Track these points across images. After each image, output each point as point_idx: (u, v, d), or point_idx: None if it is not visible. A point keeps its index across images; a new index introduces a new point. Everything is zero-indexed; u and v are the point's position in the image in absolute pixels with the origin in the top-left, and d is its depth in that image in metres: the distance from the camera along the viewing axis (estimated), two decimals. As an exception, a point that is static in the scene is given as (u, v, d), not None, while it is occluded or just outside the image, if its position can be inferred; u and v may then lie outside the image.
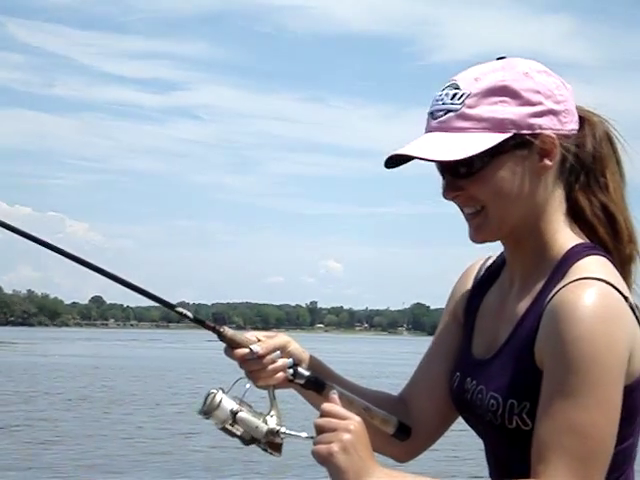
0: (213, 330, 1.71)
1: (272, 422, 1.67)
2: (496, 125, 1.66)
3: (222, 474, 13.57)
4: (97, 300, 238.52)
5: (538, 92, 1.68)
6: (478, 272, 1.94)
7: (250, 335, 1.75)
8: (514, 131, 1.66)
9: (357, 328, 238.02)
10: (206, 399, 1.65)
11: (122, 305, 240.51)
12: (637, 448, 1.72)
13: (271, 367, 1.74)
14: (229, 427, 1.66)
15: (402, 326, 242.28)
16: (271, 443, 1.67)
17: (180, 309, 1.69)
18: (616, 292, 1.61)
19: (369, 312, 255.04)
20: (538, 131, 1.67)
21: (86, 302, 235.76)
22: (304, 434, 1.67)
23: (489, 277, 1.90)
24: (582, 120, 1.75)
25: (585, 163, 1.75)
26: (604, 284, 1.60)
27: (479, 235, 1.73)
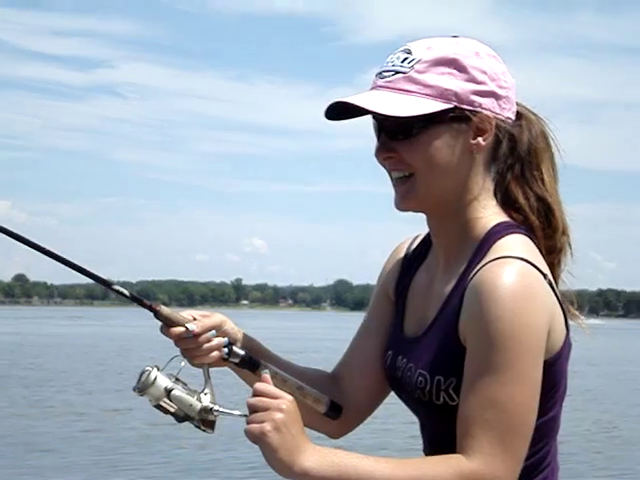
0: (149, 308, 1.71)
1: (206, 400, 1.68)
2: (440, 94, 1.69)
3: (153, 450, 13.57)
4: (20, 278, 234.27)
5: (485, 73, 1.73)
6: (407, 250, 1.95)
7: (186, 314, 1.76)
8: (455, 103, 1.69)
9: (281, 304, 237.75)
10: (141, 376, 1.66)
11: (46, 283, 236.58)
12: (559, 420, 1.76)
13: (206, 346, 1.75)
14: (163, 404, 1.66)
15: (325, 302, 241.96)
16: (204, 420, 1.68)
17: (117, 287, 1.69)
18: (535, 270, 1.64)
19: (293, 288, 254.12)
20: (478, 109, 1.71)
21: (9, 280, 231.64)
22: (237, 412, 1.68)
23: (418, 255, 1.92)
24: (520, 116, 1.79)
25: (520, 155, 1.78)
26: (523, 262, 1.63)
27: (404, 202, 1.75)
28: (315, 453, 1.58)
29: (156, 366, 1.66)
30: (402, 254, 1.96)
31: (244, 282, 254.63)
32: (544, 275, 1.65)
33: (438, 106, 1.69)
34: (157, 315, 1.71)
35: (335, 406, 1.87)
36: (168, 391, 1.66)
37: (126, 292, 1.69)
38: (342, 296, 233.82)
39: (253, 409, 1.60)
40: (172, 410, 1.66)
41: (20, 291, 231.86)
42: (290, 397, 1.62)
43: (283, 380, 1.77)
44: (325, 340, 44.02)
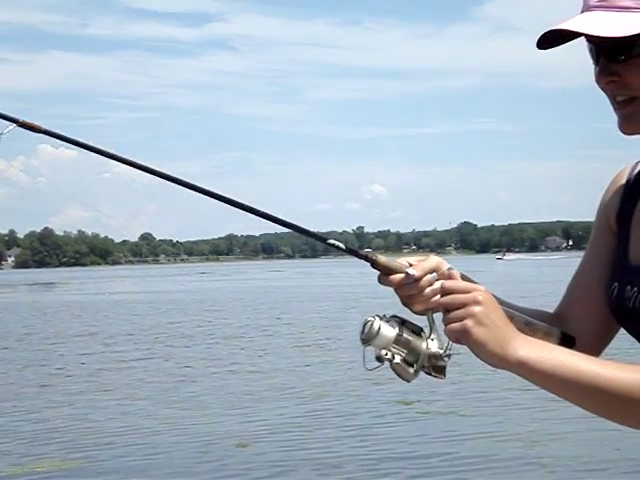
0: (365, 259, 1.64)
1: (434, 346, 1.62)
2: None
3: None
4: (147, 237, 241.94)
5: None
6: (628, 178, 1.85)
7: (402, 260, 1.68)
8: None
9: (405, 250, 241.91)
10: (364, 327, 1.62)
11: (172, 240, 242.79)
12: None
13: (429, 289, 1.65)
14: (392, 350, 1.61)
15: (450, 246, 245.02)
16: (435, 366, 1.63)
17: (332, 241, 1.67)
18: None
19: (416, 234, 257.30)
20: None
21: (136, 240, 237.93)
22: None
23: None
24: None
25: None
26: None
27: (629, 126, 1.65)
28: (527, 342, 1.53)
29: (378, 315, 1.62)
30: (623, 181, 1.85)
31: (366, 230, 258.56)
32: None
33: None
34: (374, 264, 1.64)
35: (567, 337, 1.78)
36: (397, 337, 1.61)
37: (342, 245, 1.65)
38: (467, 239, 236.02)
39: (448, 308, 1.54)
40: (402, 355, 1.61)
41: (147, 250, 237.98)
42: (483, 287, 1.56)
43: (510, 316, 1.64)
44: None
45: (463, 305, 1.53)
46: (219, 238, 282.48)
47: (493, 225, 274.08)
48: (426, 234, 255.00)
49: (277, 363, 17.39)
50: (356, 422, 11.10)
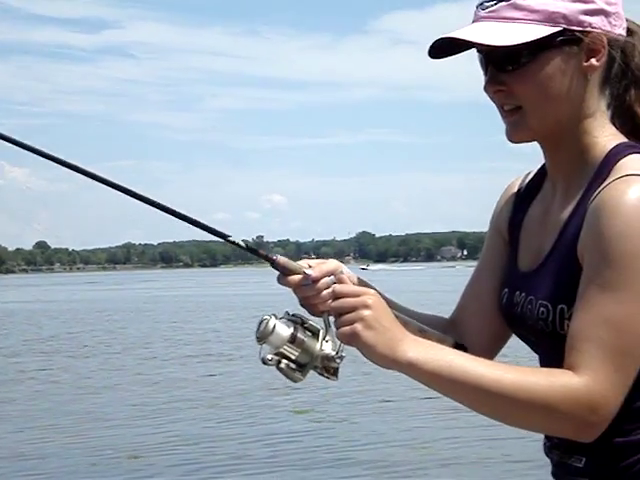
0: (266, 258, 1.67)
1: (328, 347, 1.63)
2: (547, 17, 1.63)
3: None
4: (42, 245, 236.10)
5: None
6: (520, 187, 1.91)
7: (302, 262, 1.71)
8: (564, 26, 1.63)
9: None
10: (260, 325, 1.63)
11: (67, 249, 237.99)
12: None
13: (325, 292, 1.67)
14: (285, 350, 1.62)
15: (349, 255, 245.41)
16: (327, 367, 1.64)
17: (232, 239, 1.68)
18: None
19: (315, 244, 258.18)
20: (588, 29, 1.64)
21: (30, 248, 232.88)
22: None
23: (531, 190, 1.87)
24: (630, 32, 1.73)
25: (635, 75, 1.72)
26: None
27: (515, 134, 1.70)
28: (416, 343, 1.57)
29: (274, 314, 1.64)
30: (514, 191, 1.91)
31: (266, 239, 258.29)
32: None
33: (546, 30, 1.63)
34: (274, 264, 1.67)
35: (460, 347, 1.82)
36: (291, 337, 1.61)
37: (242, 243, 1.69)
38: (365, 249, 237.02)
39: (339, 312, 1.58)
40: (293, 356, 1.62)
41: (42, 259, 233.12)
42: (373, 290, 1.61)
43: (404, 322, 1.69)
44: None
45: (353, 309, 1.56)
46: (116, 247, 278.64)
47: (391, 235, 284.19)
48: (325, 243, 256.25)
49: (179, 374, 17.36)
50: (252, 433, 11.17)
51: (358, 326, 1.55)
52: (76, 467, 9.56)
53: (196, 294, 59.20)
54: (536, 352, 1.80)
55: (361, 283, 1.76)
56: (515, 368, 1.55)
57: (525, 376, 1.53)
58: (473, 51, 1.71)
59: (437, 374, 1.54)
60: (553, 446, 1.76)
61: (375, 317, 1.55)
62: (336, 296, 1.60)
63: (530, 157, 1.86)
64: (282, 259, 1.67)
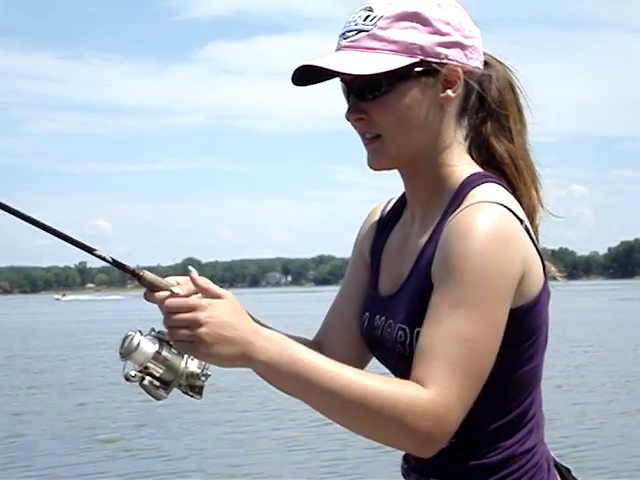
0: (132, 274, 1.59)
1: (193, 365, 1.59)
2: (405, 49, 1.67)
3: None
4: None
5: (448, 24, 1.70)
6: (382, 213, 1.94)
7: (170, 279, 1.62)
8: (421, 57, 1.67)
9: (129, 286, 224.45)
10: (124, 341, 1.57)
11: None
12: (541, 370, 1.73)
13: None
14: (149, 366, 1.56)
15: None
16: (192, 386, 1.60)
17: (99, 252, 1.60)
18: (511, 214, 1.62)
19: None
20: (444, 61, 1.69)
21: None
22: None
23: (392, 216, 1.90)
24: (487, 65, 1.77)
25: (490, 105, 1.77)
26: (500, 206, 1.61)
27: (376, 161, 1.73)
28: (266, 348, 1.52)
29: (139, 331, 1.59)
30: (376, 217, 1.95)
31: (89, 265, 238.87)
32: (521, 221, 1.64)
33: (404, 61, 1.67)
34: (141, 280, 1.58)
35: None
36: (156, 354, 1.56)
37: (108, 258, 1.59)
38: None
39: (172, 328, 1.51)
40: (158, 374, 1.57)
41: None
42: (206, 301, 1.52)
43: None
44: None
45: (187, 326, 1.49)
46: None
47: (217, 261, 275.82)
48: (149, 269, 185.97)
49: (44, 404, 16.39)
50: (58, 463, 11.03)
51: (198, 348, 1.49)
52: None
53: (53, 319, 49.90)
54: (395, 375, 1.76)
55: (209, 292, 1.56)
56: (368, 375, 1.54)
57: (375, 382, 1.52)
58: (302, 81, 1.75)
59: (292, 376, 1.52)
60: (410, 469, 1.78)
61: (213, 331, 1.48)
62: (168, 311, 1.51)
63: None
64: (149, 275, 1.59)
